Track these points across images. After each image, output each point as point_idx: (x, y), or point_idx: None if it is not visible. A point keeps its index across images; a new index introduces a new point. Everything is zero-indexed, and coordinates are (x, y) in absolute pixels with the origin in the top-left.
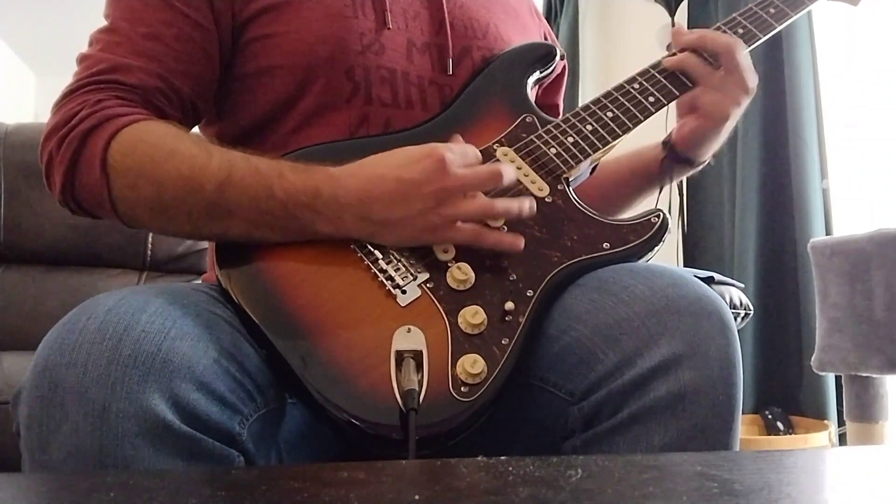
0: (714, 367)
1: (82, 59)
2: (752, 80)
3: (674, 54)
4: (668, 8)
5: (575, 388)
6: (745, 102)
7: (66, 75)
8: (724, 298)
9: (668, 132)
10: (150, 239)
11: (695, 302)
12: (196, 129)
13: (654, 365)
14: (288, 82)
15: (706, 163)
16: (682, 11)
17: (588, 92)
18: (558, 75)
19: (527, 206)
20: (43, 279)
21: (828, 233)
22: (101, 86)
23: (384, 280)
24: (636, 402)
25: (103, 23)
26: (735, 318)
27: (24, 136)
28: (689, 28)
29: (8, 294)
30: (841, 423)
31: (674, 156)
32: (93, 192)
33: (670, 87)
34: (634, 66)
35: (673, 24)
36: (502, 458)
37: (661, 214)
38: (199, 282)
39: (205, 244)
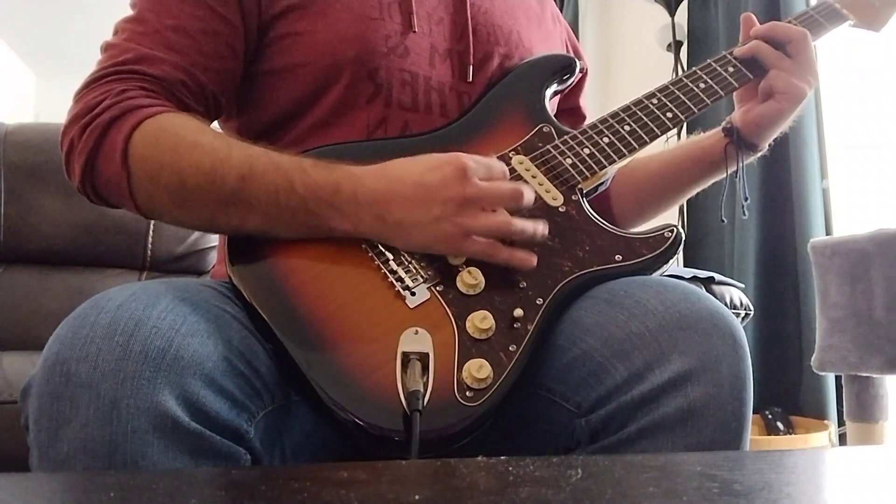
0: (724, 385)
1: (107, 48)
2: (817, 69)
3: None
4: (668, 8)
5: (582, 400)
6: (813, 87)
7: (66, 75)
8: (724, 298)
9: (726, 120)
10: (149, 239)
11: (707, 318)
12: (215, 125)
13: (664, 381)
14: (311, 81)
15: (763, 151)
16: (682, 11)
17: (588, 91)
18: (580, 79)
19: (540, 229)
20: (43, 279)
21: (828, 233)
22: (125, 76)
23: (394, 281)
24: (644, 418)
25: (129, 12)
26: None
27: (24, 136)
28: (689, 27)
29: (8, 294)
30: (841, 423)
31: (739, 141)
32: (112, 182)
33: (744, 70)
34: (634, 65)
35: (673, 25)
36: (502, 458)
37: (675, 229)
38: (209, 278)
39: (205, 244)
